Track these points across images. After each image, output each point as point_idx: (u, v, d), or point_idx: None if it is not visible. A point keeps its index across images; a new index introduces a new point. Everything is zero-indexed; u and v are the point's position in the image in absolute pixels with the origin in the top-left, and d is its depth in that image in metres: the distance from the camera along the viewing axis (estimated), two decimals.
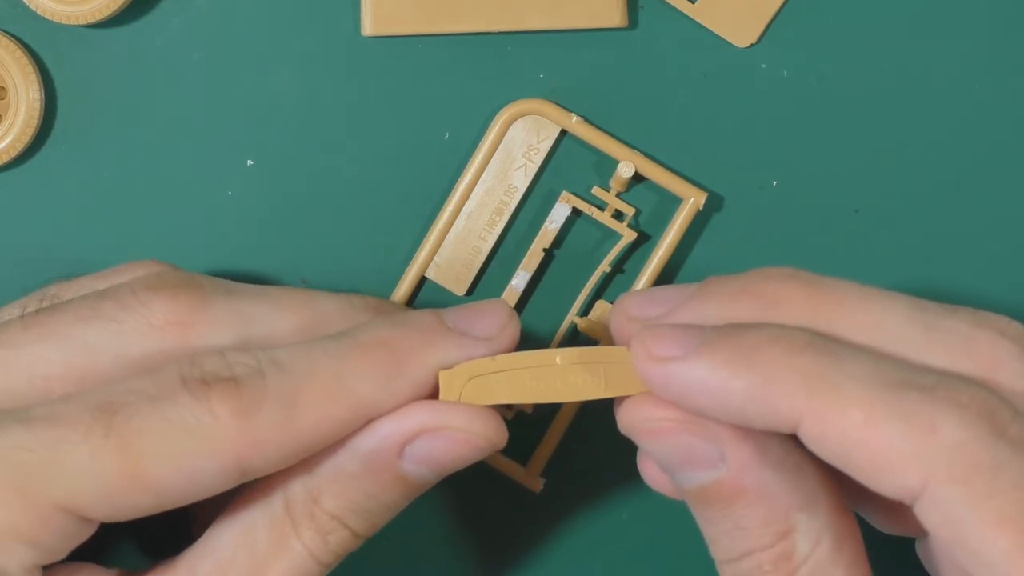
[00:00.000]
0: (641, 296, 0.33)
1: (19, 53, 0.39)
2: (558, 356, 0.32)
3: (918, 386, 0.29)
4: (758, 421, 0.30)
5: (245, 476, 0.31)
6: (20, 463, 0.29)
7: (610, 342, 0.39)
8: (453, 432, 0.32)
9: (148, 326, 0.32)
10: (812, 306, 0.31)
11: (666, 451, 0.31)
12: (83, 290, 0.35)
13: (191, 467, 0.30)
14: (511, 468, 0.40)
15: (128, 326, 0.32)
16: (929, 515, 0.29)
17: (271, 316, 0.33)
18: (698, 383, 0.30)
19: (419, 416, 0.32)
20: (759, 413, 0.29)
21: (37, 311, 0.33)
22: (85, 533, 0.30)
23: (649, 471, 0.34)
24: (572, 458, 0.41)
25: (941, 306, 0.31)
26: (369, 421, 0.32)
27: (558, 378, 0.32)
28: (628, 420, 0.32)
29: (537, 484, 0.40)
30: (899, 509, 0.33)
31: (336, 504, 0.32)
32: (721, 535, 0.31)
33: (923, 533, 0.34)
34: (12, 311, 0.34)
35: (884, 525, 0.34)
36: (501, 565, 0.41)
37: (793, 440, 0.31)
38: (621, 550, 0.41)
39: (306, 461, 0.31)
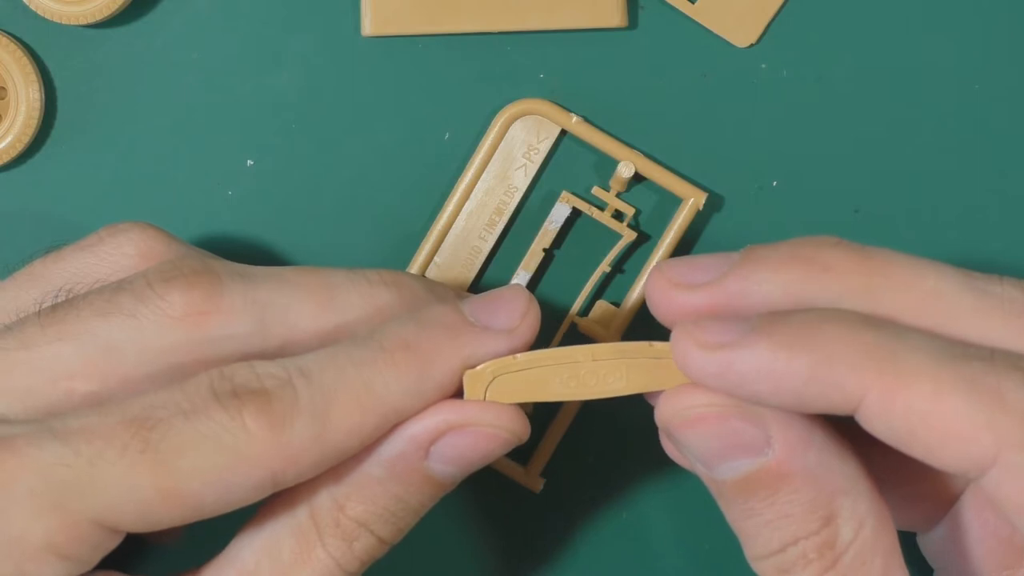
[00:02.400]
0: (683, 262, 0.32)
1: (19, 53, 0.39)
2: (579, 353, 0.32)
3: (978, 356, 0.29)
4: (817, 402, 0.29)
5: (277, 487, 0.31)
6: (58, 479, 0.29)
7: (612, 340, 0.39)
8: (478, 428, 0.32)
9: (166, 318, 0.32)
10: (864, 272, 0.30)
11: (711, 440, 0.30)
12: (74, 265, 0.35)
13: (225, 482, 0.30)
14: (511, 468, 0.40)
15: (146, 320, 0.32)
16: (1000, 484, 0.28)
17: (287, 300, 0.33)
18: (757, 367, 0.29)
19: (443, 415, 0.31)
20: (820, 393, 0.29)
21: (53, 307, 0.33)
22: (114, 543, 0.30)
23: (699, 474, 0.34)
24: (572, 458, 0.41)
25: (985, 274, 0.31)
26: (397, 425, 0.32)
27: (580, 376, 0.32)
28: (670, 411, 0.31)
29: (537, 484, 0.40)
30: (918, 498, 0.34)
31: (363, 510, 0.31)
32: (762, 526, 0.30)
33: (930, 526, 0.34)
34: (15, 292, 0.34)
35: (893, 516, 0.34)
36: (501, 565, 0.41)
37: (832, 425, 0.31)
38: (621, 550, 0.41)
39: (332, 470, 0.31)
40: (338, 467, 0.31)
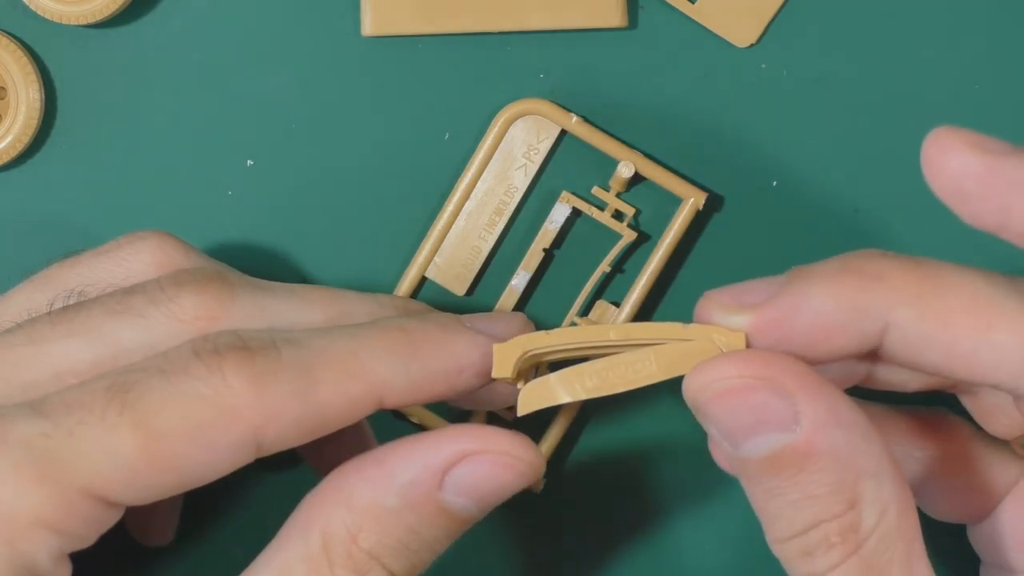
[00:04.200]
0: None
1: (19, 53, 0.39)
2: (612, 332, 0.32)
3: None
4: (853, 332, 0.30)
5: (261, 450, 0.30)
6: (40, 450, 0.29)
7: None
8: (495, 456, 0.31)
9: (176, 320, 0.32)
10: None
11: (738, 413, 0.30)
12: (91, 270, 0.35)
13: (207, 440, 0.29)
14: None
15: (156, 321, 0.32)
16: None
17: (298, 312, 0.33)
18: (814, 293, 0.30)
19: (458, 440, 0.31)
20: (854, 319, 0.30)
21: (64, 307, 0.33)
22: (111, 519, 0.30)
23: (723, 453, 0.33)
24: (572, 458, 0.41)
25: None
26: (382, 405, 0.31)
27: (612, 367, 0.31)
28: (697, 384, 0.31)
29: (537, 484, 0.40)
30: (968, 490, 0.34)
31: (376, 541, 0.31)
32: (786, 507, 0.30)
33: (979, 519, 0.35)
34: (29, 293, 0.35)
35: (943, 508, 0.35)
36: (501, 565, 0.41)
37: (861, 406, 0.31)
38: (621, 550, 0.41)
39: (346, 498, 0.31)
40: (352, 497, 0.31)
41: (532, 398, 0.32)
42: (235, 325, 0.32)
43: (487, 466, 0.31)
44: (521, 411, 0.32)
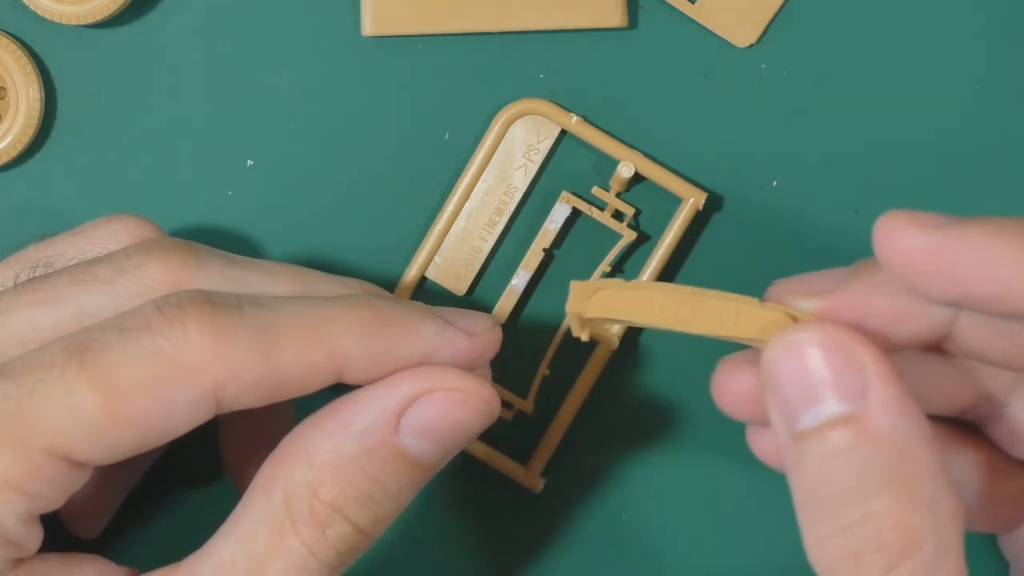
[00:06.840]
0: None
1: (19, 53, 0.39)
2: (691, 290, 0.31)
3: None
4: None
5: (221, 407, 0.30)
6: (2, 411, 0.29)
7: (609, 342, 0.39)
8: (447, 392, 0.31)
9: (142, 286, 0.32)
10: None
11: (809, 372, 0.29)
12: (65, 248, 0.35)
13: (167, 395, 0.29)
14: (511, 468, 0.40)
15: (122, 287, 0.32)
16: None
17: (264, 283, 0.33)
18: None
19: (410, 381, 0.31)
20: None
21: (31, 278, 0.33)
22: (78, 479, 0.30)
23: (762, 443, 0.32)
24: (572, 458, 0.41)
25: None
26: (342, 378, 0.31)
27: (691, 308, 0.31)
28: (777, 339, 0.29)
29: (537, 484, 0.40)
30: (1003, 500, 0.34)
31: (337, 493, 0.31)
32: (837, 493, 0.28)
33: (1012, 527, 0.34)
34: (7, 269, 0.35)
35: (975, 519, 0.34)
36: (501, 565, 0.41)
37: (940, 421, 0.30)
38: (621, 550, 0.41)
39: (305, 452, 0.31)
40: (312, 451, 0.31)
41: (604, 307, 0.31)
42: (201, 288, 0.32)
43: (440, 404, 0.31)
44: (590, 312, 0.31)
